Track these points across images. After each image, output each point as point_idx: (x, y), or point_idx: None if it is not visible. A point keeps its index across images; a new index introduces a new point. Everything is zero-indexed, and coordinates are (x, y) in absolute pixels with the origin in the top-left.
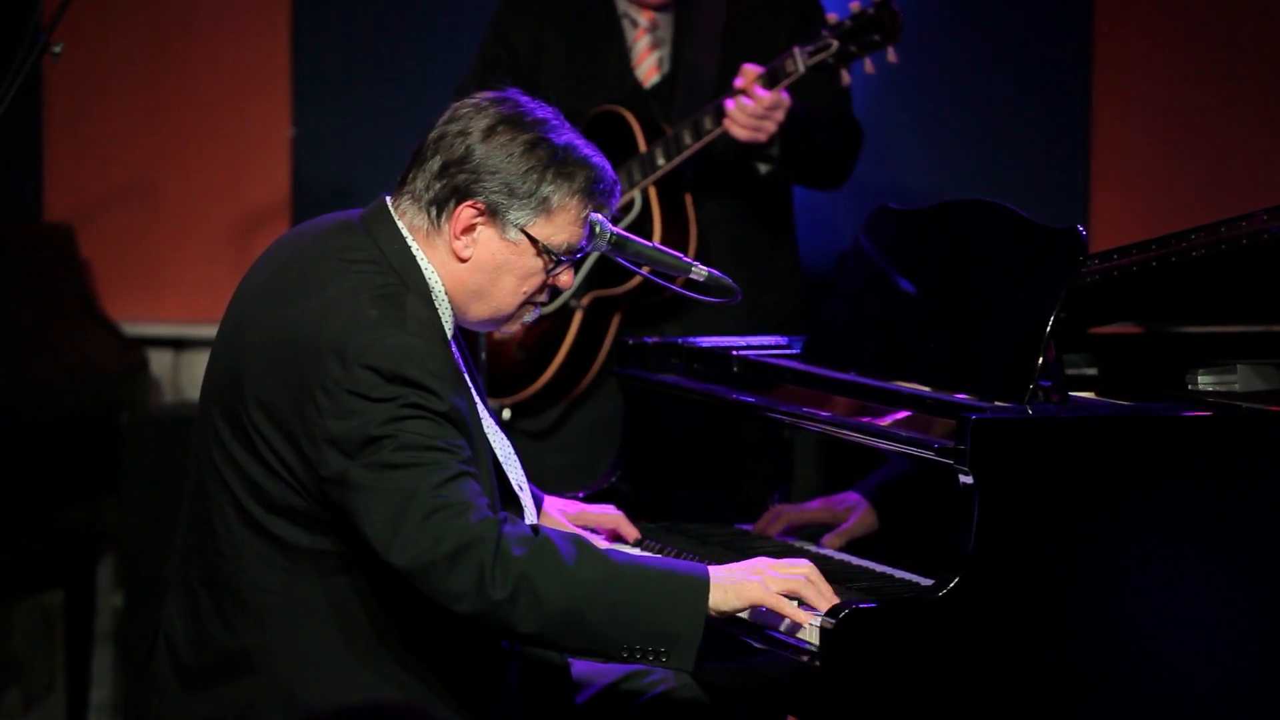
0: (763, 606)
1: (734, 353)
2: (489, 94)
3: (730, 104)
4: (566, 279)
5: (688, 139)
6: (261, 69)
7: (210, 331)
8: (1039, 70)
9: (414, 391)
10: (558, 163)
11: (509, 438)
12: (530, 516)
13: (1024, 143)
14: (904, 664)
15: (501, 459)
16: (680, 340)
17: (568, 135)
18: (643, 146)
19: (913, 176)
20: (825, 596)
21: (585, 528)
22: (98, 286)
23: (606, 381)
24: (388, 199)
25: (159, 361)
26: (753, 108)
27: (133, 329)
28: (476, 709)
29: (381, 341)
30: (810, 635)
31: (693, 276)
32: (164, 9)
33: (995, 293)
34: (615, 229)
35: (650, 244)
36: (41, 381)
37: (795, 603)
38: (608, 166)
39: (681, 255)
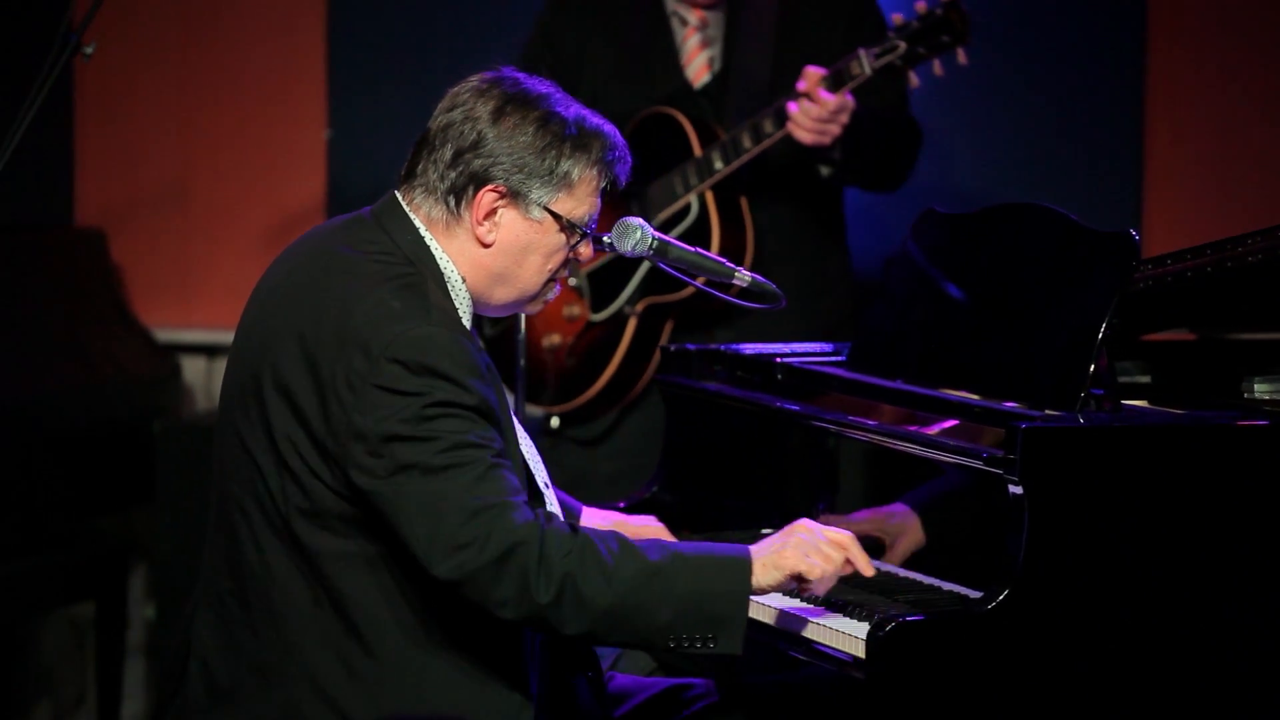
0: (804, 576)
1: (778, 360)
2: (485, 75)
3: (794, 107)
4: (586, 250)
5: (747, 142)
6: (296, 70)
7: None
8: (1091, 70)
9: (442, 384)
10: (573, 136)
11: (535, 440)
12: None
13: (1075, 145)
14: (951, 678)
15: (528, 457)
16: (723, 347)
17: (575, 107)
18: (697, 149)
19: (961, 179)
20: (864, 565)
21: None
22: (129, 292)
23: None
24: (397, 193)
25: (191, 368)
26: (818, 111)
27: (165, 335)
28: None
29: (407, 334)
30: (855, 648)
31: (736, 282)
32: (197, 10)
33: (1045, 298)
34: (658, 234)
35: (693, 249)
36: (72, 389)
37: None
38: (617, 132)
39: (725, 261)
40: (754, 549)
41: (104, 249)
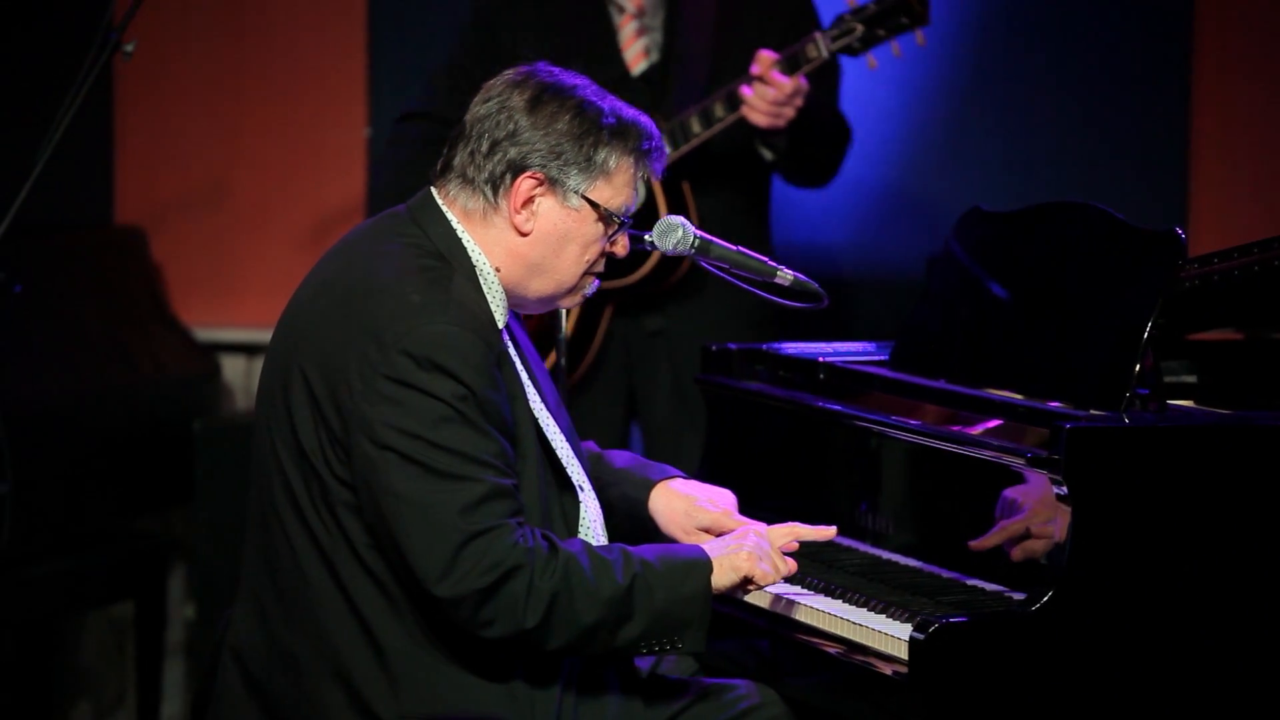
0: (755, 581)
1: (820, 359)
2: (519, 68)
3: (748, 91)
4: (623, 246)
5: (696, 127)
6: (337, 68)
7: None
8: (1137, 66)
9: (449, 383)
10: (610, 125)
11: (569, 429)
12: (587, 514)
13: (1121, 142)
14: (994, 681)
15: (559, 452)
16: (764, 346)
17: (610, 99)
18: None
19: (1004, 177)
20: (782, 568)
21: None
22: (170, 290)
23: (600, 378)
24: (432, 189)
25: (232, 367)
26: (774, 94)
27: (205, 334)
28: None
29: (421, 328)
30: (898, 649)
31: (778, 281)
32: (238, 8)
33: (1090, 297)
34: (700, 232)
35: (735, 248)
36: (112, 388)
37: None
38: (652, 125)
39: (766, 259)
40: (707, 547)
41: (144, 248)
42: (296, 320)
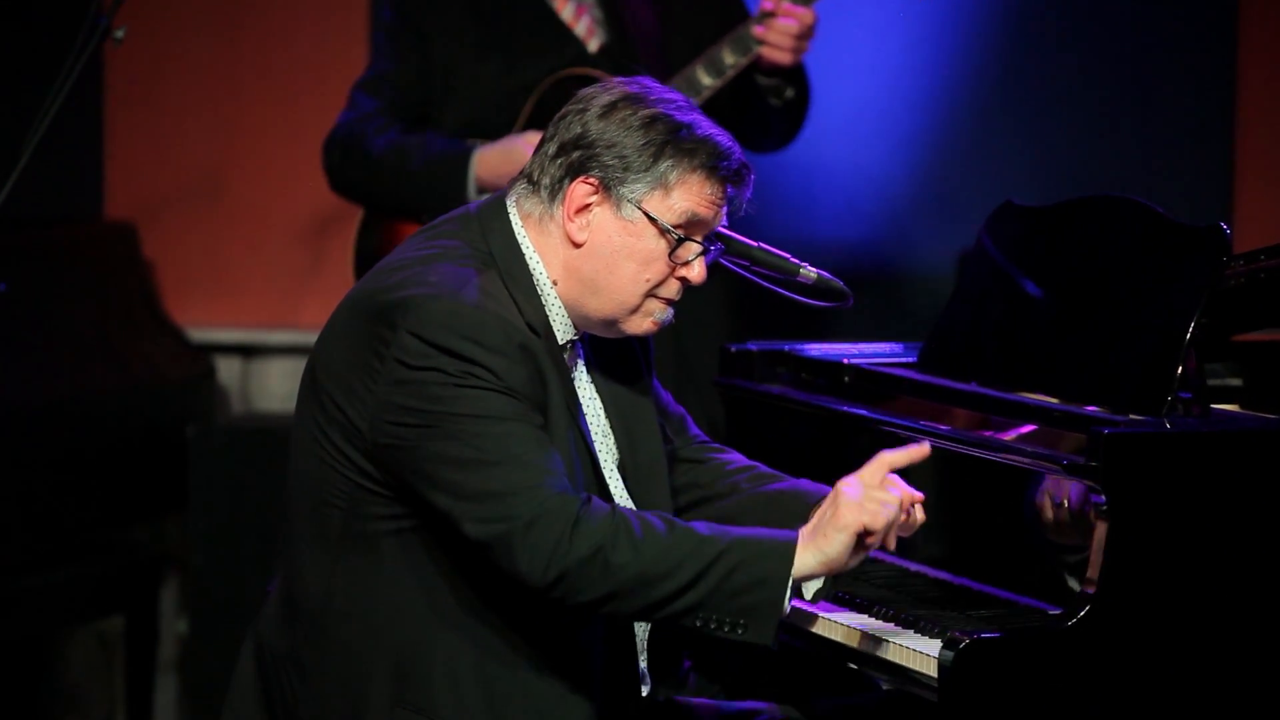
0: (869, 528)
1: (845, 361)
2: (619, 78)
3: (761, 30)
4: (698, 272)
5: (706, 78)
6: (336, 57)
7: (282, 337)
8: (1179, 51)
9: (456, 362)
10: (678, 138)
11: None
12: None
13: (1162, 132)
14: (1028, 699)
15: (595, 444)
16: (787, 347)
17: (694, 115)
18: None
19: (1039, 170)
20: (890, 499)
21: None
22: (162, 289)
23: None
24: (508, 189)
25: (227, 370)
26: (797, 27)
27: (199, 335)
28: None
29: (426, 306)
30: (927, 666)
31: (800, 279)
32: None
33: (1130, 296)
34: (721, 229)
35: (757, 244)
36: (101, 391)
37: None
38: (736, 148)
39: (789, 256)
40: (805, 530)
41: (135, 244)
42: (330, 320)
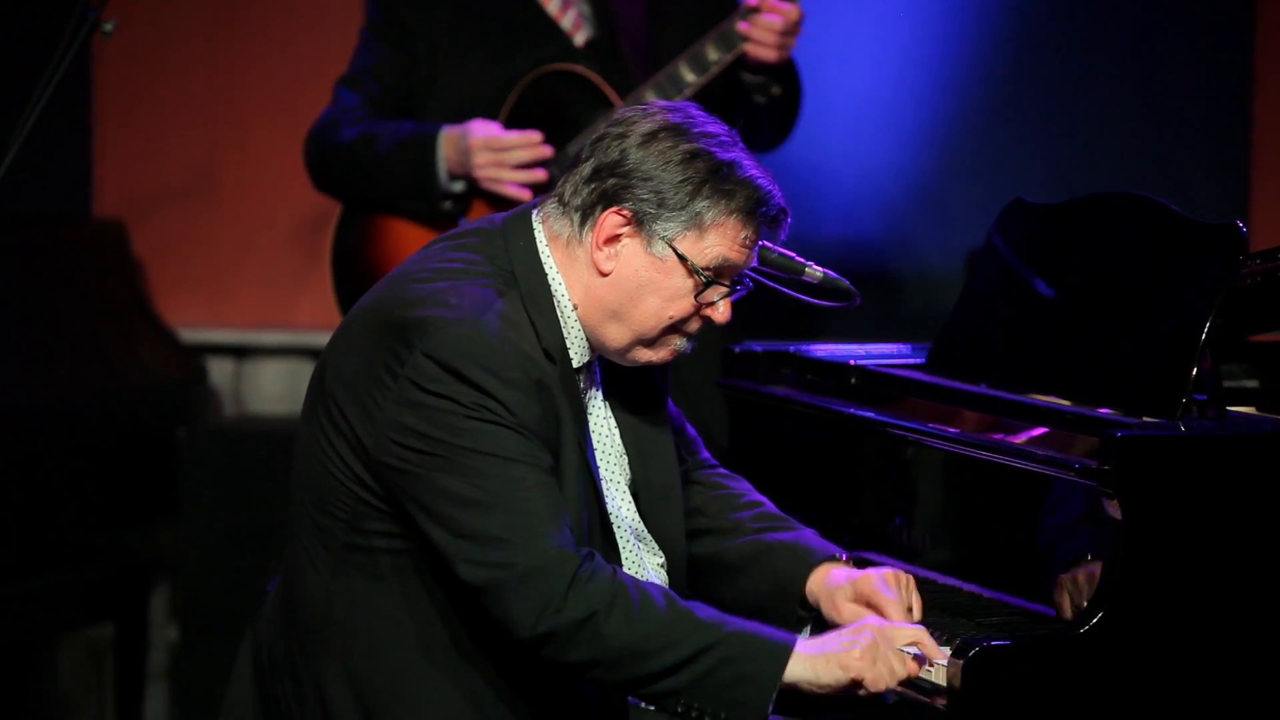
0: (866, 685)
1: (852, 362)
2: (663, 103)
3: (745, 26)
4: (724, 312)
5: (689, 75)
6: (330, 52)
7: (275, 338)
8: (1194, 46)
9: (471, 392)
10: (718, 178)
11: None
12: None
13: (1176, 128)
14: (1039, 708)
15: (611, 512)
16: (792, 348)
17: (736, 153)
18: (615, 99)
19: (1050, 166)
20: (900, 669)
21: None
22: (152, 288)
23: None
24: (534, 204)
25: (219, 371)
26: (781, 22)
27: (190, 335)
28: None
29: (446, 330)
30: (936, 675)
31: (806, 278)
32: None
33: (1143, 296)
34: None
35: (763, 243)
36: (91, 393)
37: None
38: (777, 192)
39: (795, 255)
40: (813, 642)
41: (125, 242)
42: (341, 327)
